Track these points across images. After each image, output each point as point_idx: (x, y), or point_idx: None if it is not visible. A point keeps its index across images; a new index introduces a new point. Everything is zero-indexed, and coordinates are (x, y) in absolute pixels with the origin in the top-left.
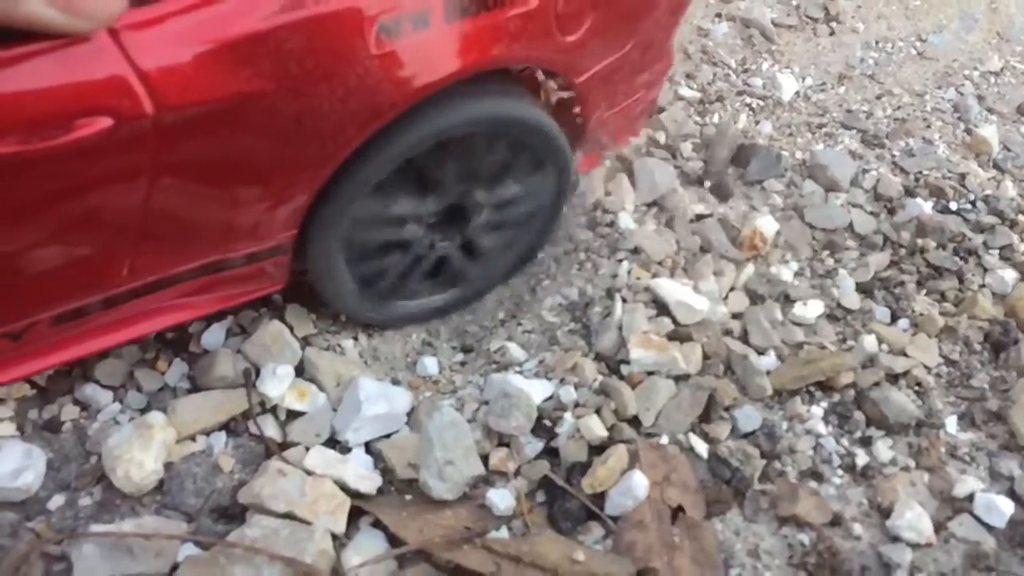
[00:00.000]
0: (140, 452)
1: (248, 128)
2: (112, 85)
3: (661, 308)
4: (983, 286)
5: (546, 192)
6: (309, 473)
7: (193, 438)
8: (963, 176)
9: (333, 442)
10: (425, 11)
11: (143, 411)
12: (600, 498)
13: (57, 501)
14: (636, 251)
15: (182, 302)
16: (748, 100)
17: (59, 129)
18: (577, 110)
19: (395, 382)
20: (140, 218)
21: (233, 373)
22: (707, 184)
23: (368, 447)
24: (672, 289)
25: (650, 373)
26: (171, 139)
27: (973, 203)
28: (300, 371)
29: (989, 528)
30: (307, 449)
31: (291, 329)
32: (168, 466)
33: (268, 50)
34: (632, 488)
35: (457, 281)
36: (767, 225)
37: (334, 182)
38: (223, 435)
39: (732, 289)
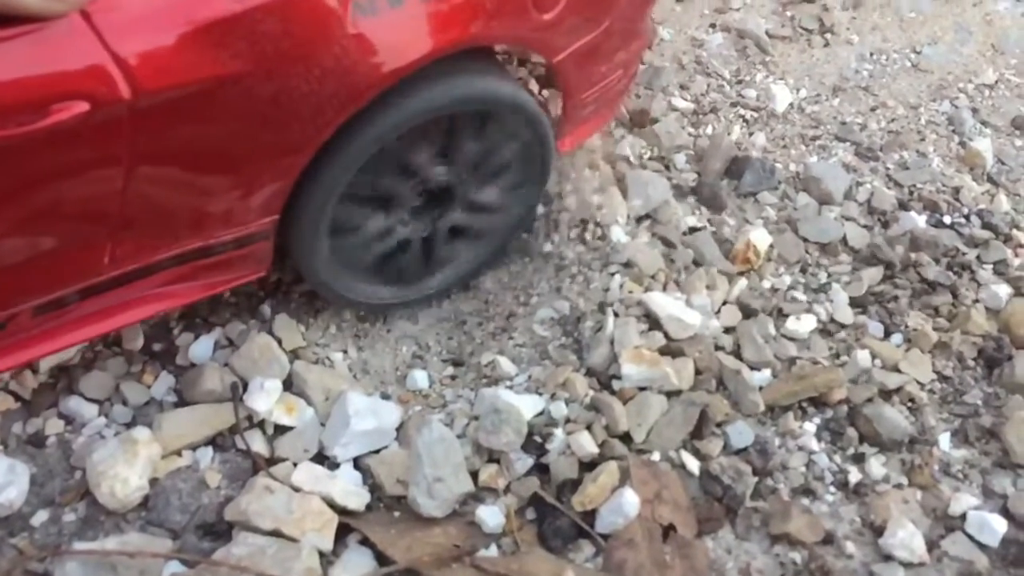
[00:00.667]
0: (125, 468)
1: (226, 111)
2: (88, 69)
3: (653, 322)
4: (977, 301)
5: (522, 137)
6: (296, 489)
7: (179, 453)
8: (957, 190)
9: (321, 457)
10: None
11: (129, 425)
12: (591, 516)
13: (41, 517)
14: (628, 264)
15: (165, 291)
16: (742, 111)
17: (35, 114)
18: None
19: (385, 396)
20: (119, 205)
21: (220, 387)
22: (700, 196)
23: (357, 463)
24: (664, 303)
25: (642, 389)
26: (148, 123)
27: (967, 217)
28: (288, 385)
29: (982, 547)
30: (295, 464)
31: (279, 342)
32: (153, 482)
33: (244, 31)
34: (623, 506)
35: (483, 235)
36: (760, 238)
37: (317, 165)
38: (210, 450)
39: (725, 303)
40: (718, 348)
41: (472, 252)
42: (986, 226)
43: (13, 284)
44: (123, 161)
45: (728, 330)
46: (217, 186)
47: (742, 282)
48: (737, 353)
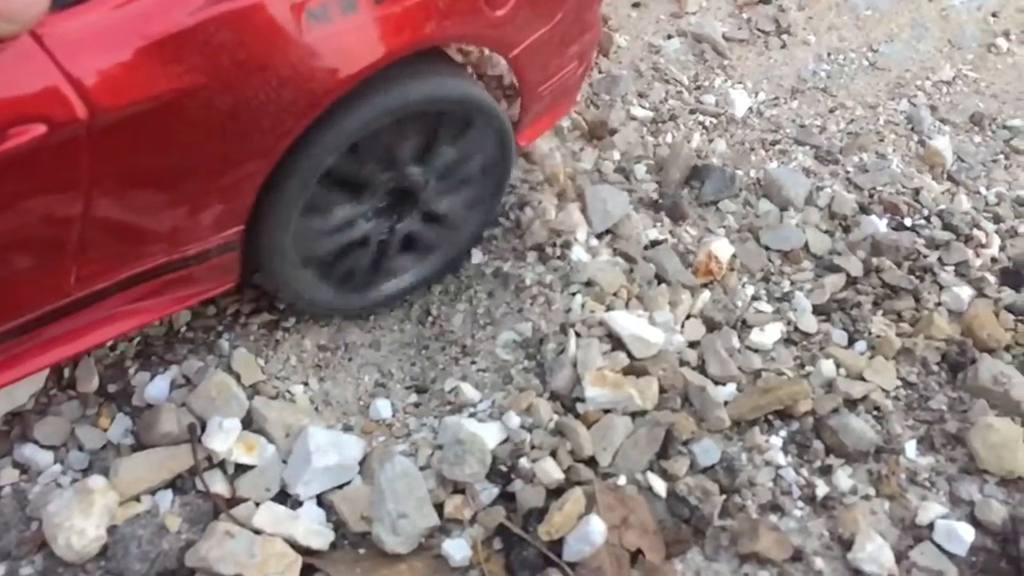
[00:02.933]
0: (81, 519)
1: (185, 125)
2: (42, 91)
3: (616, 342)
4: (939, 304)
5: (489, 151)
6: (258, 532)
7: (137, 498)
8: (917, 191)
9: (284, 495)
10: None
11: (85, 471)
12: (558, 544)
13: None
14: (589, 284)
15: (135, 307)
16: (701, 118)
17: None
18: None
19: (347, 428)
20: (82, 225)
21: (177, 429)
22: (661, 207)
23: (320, 499)
24: (626, 323)
25: (606, 411)
26: (107, 142)
27: (927, 218)
28: (248, 422)
29: (950, 556)
30: (256, 505)
31: (238, 378)
32: (112, 529)
33: (198, 45)
34: (589, 534)
35: (432, 249)
36: (722, 249)
37: (280, 173)
38: (169, 493)
39: (688, 317)
40: (683, 364)
41: (422, 265)
42: (947, 227)
43: None
44: (83, 181)
45: (692, 344)
46: (180, 200)
47: (705, 294)
48: (702, 368)
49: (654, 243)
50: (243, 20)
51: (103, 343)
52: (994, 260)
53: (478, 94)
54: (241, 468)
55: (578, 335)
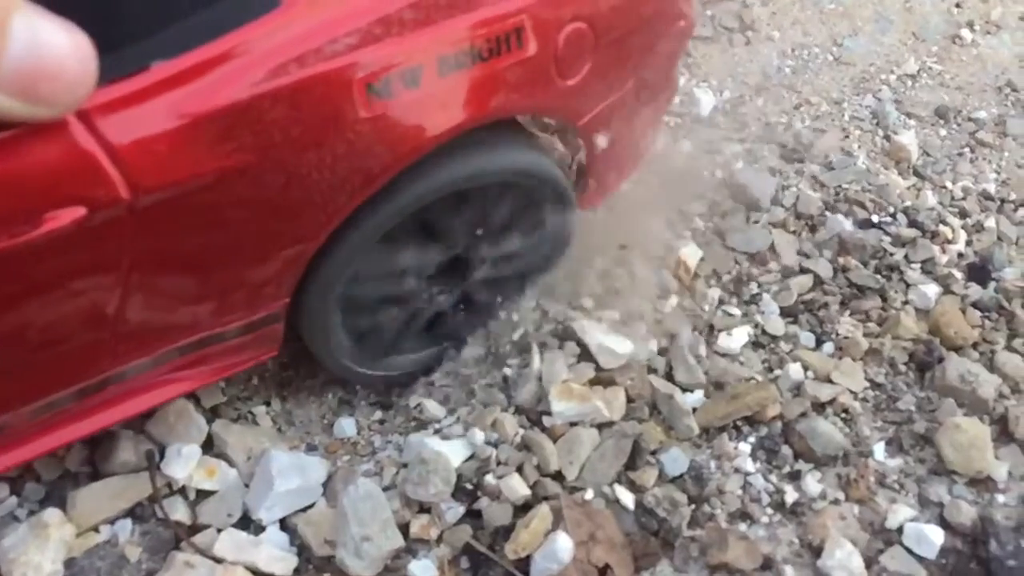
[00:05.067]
0: (36, 554)
1: (233, 205)
2: (83, 172)
3: (584, 352)
4: (906, 303)
5: (546, 244)
6: (219, 561)
7: (96, 528)
8: (883, 187)
9: (247, 520)
10: (417, 68)
11: (42, 502)
12: (525, 562)
13: None
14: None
15: (174, 376)
16: (666, 117)
17: (28, 224)
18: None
19: (311, 447)
20: (121, 305)
21: (136, 458)
22: None
23: (283, 522)
24: (595, 333)
25: (573, 424)
26: (150, 223)
27: (893, 215)
28: (210, 446)
29: (920, 559)
30: (218, 531)
31: (198, 401)
32: (70, 562)
33: (249, 121)
34: (556, 551)
35: (452, 334)
36: (691, 254)
37: (330, 244)
38: (128, 522)
39: (656, 323)
40: (651, 371)
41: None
42: (913, 224)
43: (13, 388)
44: (124, 262)
45: (660, 351)
46: (225, 278)
47: (672, 300)
48: (669, 375)
49: (622, 247)
50: (300, 96)
51: (141, 413)
52: (960, 256)
53: (552, 169)
54: (202, 494)
55: (545, 344)
